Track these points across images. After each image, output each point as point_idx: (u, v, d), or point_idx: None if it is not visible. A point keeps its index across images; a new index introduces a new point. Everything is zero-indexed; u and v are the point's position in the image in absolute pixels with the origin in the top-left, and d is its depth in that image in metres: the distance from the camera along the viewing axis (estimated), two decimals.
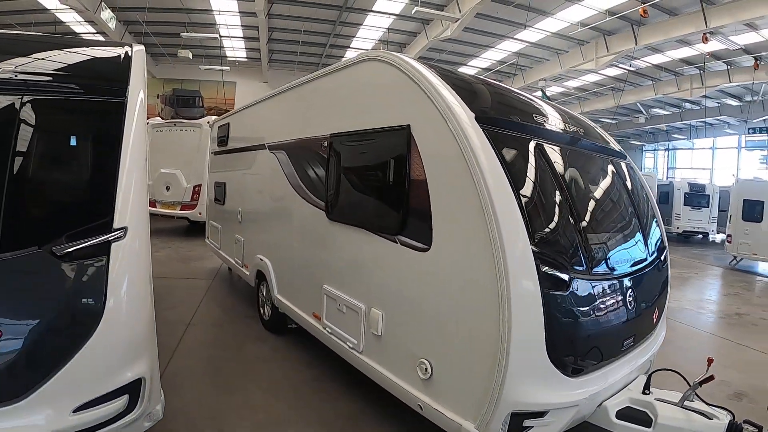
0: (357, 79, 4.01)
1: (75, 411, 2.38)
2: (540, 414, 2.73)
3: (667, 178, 29.36)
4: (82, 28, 19.78)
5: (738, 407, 4.03)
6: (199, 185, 11.77)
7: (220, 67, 22.49)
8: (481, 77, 4.51)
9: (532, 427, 2.74)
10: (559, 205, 3.13)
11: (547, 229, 2.97)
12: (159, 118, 14.90)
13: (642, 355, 3.55)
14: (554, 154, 3.39)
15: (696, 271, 13.00)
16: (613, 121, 32.02)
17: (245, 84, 25.68)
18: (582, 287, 2.94)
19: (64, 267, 2.41)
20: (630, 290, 3.34)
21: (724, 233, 15.15)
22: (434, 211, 2.99)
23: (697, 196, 20.36)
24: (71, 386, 2.38)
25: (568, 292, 2.79)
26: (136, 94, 2.92)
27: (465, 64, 22.80)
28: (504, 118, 3.28)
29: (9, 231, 2.38)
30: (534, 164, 3.15)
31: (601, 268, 3.22)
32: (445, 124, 2.92)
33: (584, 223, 3.25)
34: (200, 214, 11.49)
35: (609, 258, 3.35)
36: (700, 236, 21.40)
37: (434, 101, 3.03)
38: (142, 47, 3.41)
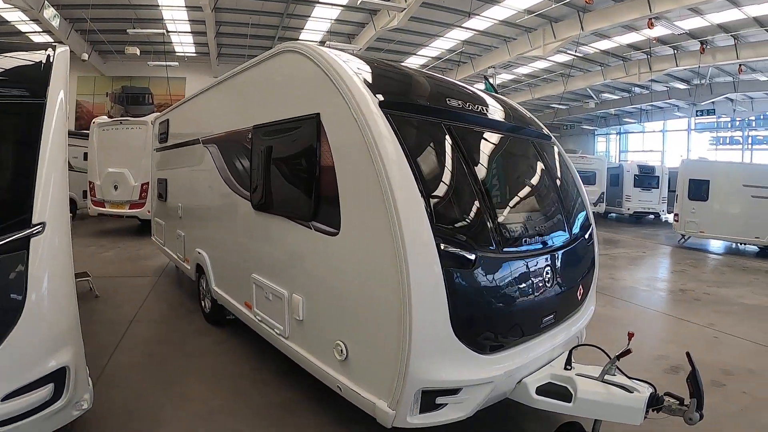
0: (275, 70, 4.07)
1: (4, 399, 2.47)
2: (453, 391, 2.84)
3: (619, 161, 30.28)
4: (28, 27, 19.05)
5: (674, 380, 4.33)
6: (147, 183, 11.57)
7: (167, 63, 21.95)
8: (401, 65, 4.56)
9: (446, 404, 2.85)
10: (467, 187, 3.20)
11: (451, 210, 3.07)
12: (106, 117, 14.52)
13: (566, 332, 3.61)
14: (467, 136, 3.49)
15: (645, 250, 13.53)
16: (564, 107, 32.79)
17: (195, 79, 25.00)
18: (491, 265, 3.02)
19: None
20: (548, 268, 3.41)
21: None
22: (342, 196, 3.08)
23: (646, 178, 21.15)
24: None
25: (474, 271, 2.89)
26: (56, 95, 3.03)
27: (414, 54, 23.00)
28: (412, 102, 3.38)
29: None
30: (442, 147, 3.26)
31: (514, 247, 3.26)
32: (349, 111, 3.00)
33: (496, 204, 3.35)
34: (149, 212, 11.31)
35: (523, 237, 3.38)
36: (651, 216, 22.26)
37: (340, 89, 3.10)
38: (66, 48, 3.47)
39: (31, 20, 17.89)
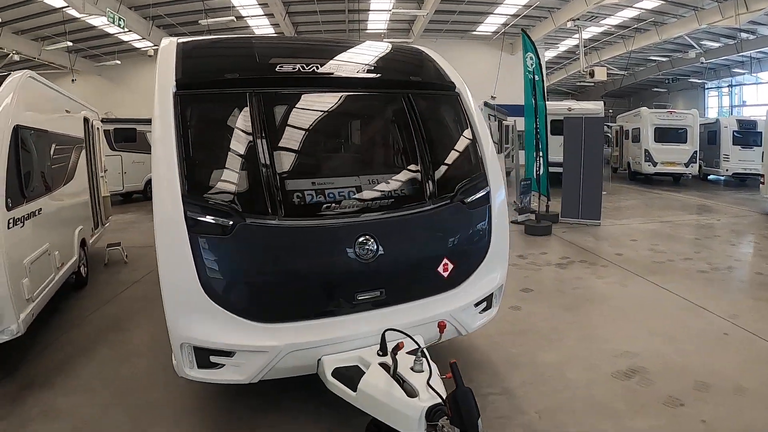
0: None
1: None
2: (227, 353, 2.96)
3: (731, 116, 26.65)
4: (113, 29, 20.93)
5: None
6: None
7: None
8: (239, 40, 4.43)
9: (223, 365, 2.99)
10: (246, 158, 3.16)
11: (212, 181, 3.09)
12: None
13: (415, 315, 3.30)
14: (278, 103, 3.47)
15: (719, 218, 11.61)
16: (665, 59, 29.55)
17: None
18: (259, 234, 2.98)
19: None
20: (363, 238, 3.11)
21: None
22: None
23: (748, 134, 18.48)
24: None
25: (231, 238, 2.90)
26: None
27: (490, 13, 22.49)
28: (212, 79, 3.38)
29: None
30: (232, 120, 3.27)
31: (301, 215, 3.09)
32: (154, 94, 3.20)
33: (288, 172, 3.26)
34: None
35: (320, 204, 3.14)
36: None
37: (156, 75, 3.33)
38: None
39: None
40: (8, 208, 4.17)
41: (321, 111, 3.70)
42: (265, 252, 3.04)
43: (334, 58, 3.87)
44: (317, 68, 3.56)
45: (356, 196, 3.27)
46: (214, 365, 2.99)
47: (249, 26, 23.25)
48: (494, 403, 3.64)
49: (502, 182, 3.84)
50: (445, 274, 3.43)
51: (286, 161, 3.33)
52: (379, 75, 3.89)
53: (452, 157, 3.80)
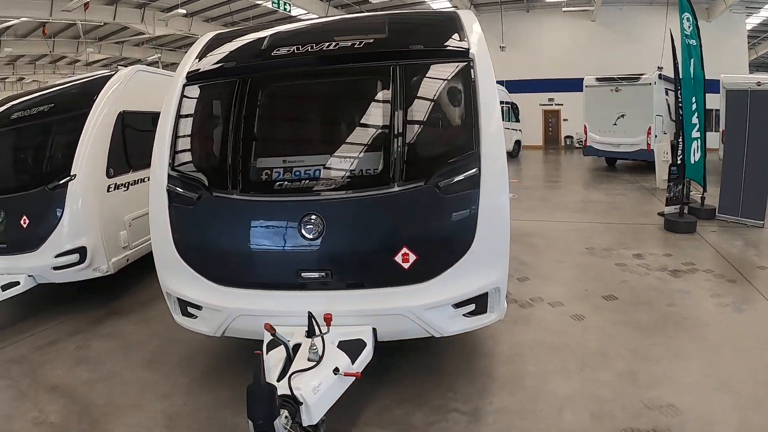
0: None
1: (56, 256, 4.96)
2: (197, 306, 3.47)
3: None
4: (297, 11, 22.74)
5: None
6: None
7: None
8: (251, 31, 4.40)
9: (196, 316, 3.53)
10: (222, 139, 3.51)
11: (190, 160, 3.61)
12: None
13: (366, 303, 3.23)
14: (263, 86, 3.68)
15: None
16: None
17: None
18: (218, 206, 3.33)
19: None
20: (311, 217, 3.16)
21: None
22: None
23: None
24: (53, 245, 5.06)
25: (195, 209, 3.37)
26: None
27: None
28: (212, 68, 3.76)
29: None
30: (218, 105, 3.75)
31: (257, 192, 3.33)
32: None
33: (254, 151, 3.50)
34: None
35: (277, 181, 3.31)
36: None
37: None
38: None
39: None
40: (108, 176, 5.40)
41: (302, 92, 3.87)
42: (222, 222, 3.38)
43: (335, 37, 3.76)
44: (311, 49, 3.60)
45: (311, 174, 3.32)
46: (191, 315, 3.56)
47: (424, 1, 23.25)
48: (447, 422, 3.29)
49: (502, 165, 3.32)
50: (406, 266, 3.17)
51: (253, 141, 3.55)
52: (369, 49, 3.64)
53: (437, 135, 3.54)
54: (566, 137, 24.35)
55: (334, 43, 3.61)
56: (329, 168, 3.38)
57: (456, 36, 3.67)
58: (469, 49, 3.52)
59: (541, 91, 24.26)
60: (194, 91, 3.71)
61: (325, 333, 2.91)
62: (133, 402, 3.67)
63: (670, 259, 6.79)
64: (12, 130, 5.82)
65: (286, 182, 3.31)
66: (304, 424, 2.52)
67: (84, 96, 5.64)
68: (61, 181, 5.11)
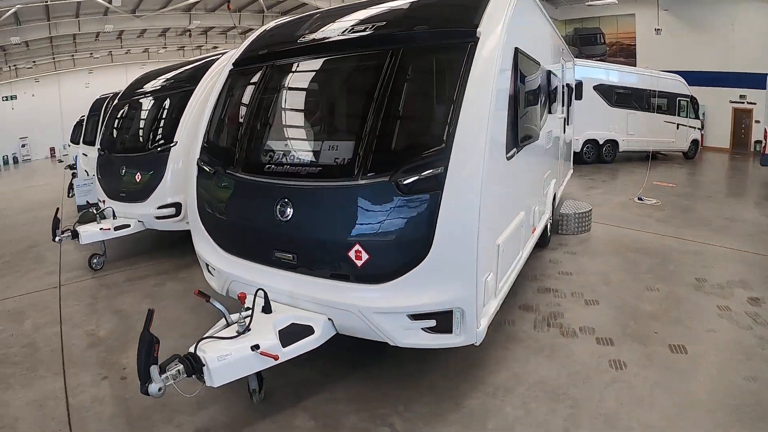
0: None
1: (158, 207, 6.16)
2: (211, 268, 3.96)
3: None
4: None
5: None
6: None
7: (606, 2, 21.26)
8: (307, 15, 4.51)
9: (213, 275, 4.00)
10: (239, 123, 3.93)
11: (214, 141, 4.14)
12: None
13: (318, 291, 3.22)
14: (284, 73, 3.96)
15: None
16: None
17: (646, 14, 23.00)
18: (224, 181, 3.78)
19: None
20: (284, 201, 3.29)
21: None
22: None
23: None
24: (157, 198, 6.20)
25: (211, 181, 3.91)
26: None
27: None
28: (251, 56, 4.26)
29: None
30: (243, 91, 4.13)
31: (247, 172, 3.61)
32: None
33: (258, 134, 3.83)
34: None
35: (264, 164, 3.56)
36: None
37: None
38: None
39: None
40: None
41: (310, 78, 4.03)
42: (225, 196, 3.83)
43: (357, 21, 3.79)
44: (330, 35, 3.72)
45: (292, 160, 3.48)
46: (210, 273, 4.05)
47: None
48: None
49: (477, 166, 2.89)
50: (359, 263, 3.05)
51: (260, 126, 3.85)
52: (379, 32, 3.53)
53: (413, 127, 3.32)
54: (756, 142, 20.26)
55: (347, 29, 3.68)
56: (308, 155, 3.49)
57: (472, 13, 3.30)
58: (476, 28, 3.16)
59: (732, 87, 20.37)
60: (234, 79, 4.27)
61: (257, 311, 3.09)
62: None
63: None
64: (137, 101, 7.15)
65: (273, 166, 3.50)
66: (206, 384, 2.74)
67: (192, 77, 6.55)
68: (166, 146, 6.11)
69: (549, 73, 5.56)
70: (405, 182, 2.89)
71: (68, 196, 11.63)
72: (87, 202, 9.03)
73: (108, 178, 6.98)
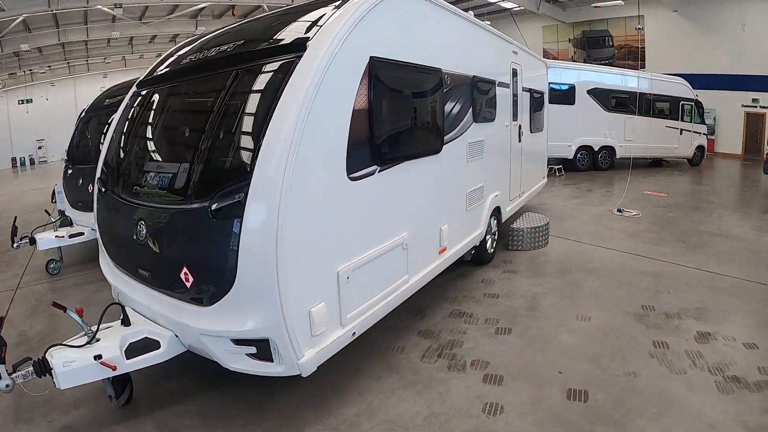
0: None
1: None
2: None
3: None
4: None
5: None
6: None
7: (613, 3, 20.89)
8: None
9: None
10: (122, 144, 4.23)
11: (108, 160, 4.30)
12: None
13: (165, 308, 3.36)
14: (159, 95, 4.17)
15: None
16: None
17: (655, 16, 22.46)
18: (107, 199, 4.06)
19: None
20: (140, 222, 3.44)
21: None
22: None
23: None
24: None
25: (102, 197, 4.17)
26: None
27: None
28: (150, 77, 4.43)
29: None
30: (134, 113, 4.32)
31: (120, 192, 3.87)
32: None
33: (127, 154, 4.11)
34: None
35: (128, 184, 3.82)
36: None
37: None
38: None
39: None
40: None
41: (173, 102, 4.13)
42: (110, 214, 4.10)
43: (222, 43, 3.80)
44: (197, 57, 3.88)
45: (151, 182, 3.55)
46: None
47: None
48: None
49: (278, 192, 2.77)
50: (188, 284, 3.13)
51: (135, 148, 4.08)
52: (227, 53, 3.58)
53: (230, 151, 3.20)
54: None
55: (207, 52, 3.82)
56: (158, 178, 3.51)
57: (309, 26, 3.28)
58: (306, 42, 3.10)
59: (745, 90, 19.71)
60: (130, 101, 4.50)
61: (108, 327, 3.35)
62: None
63: (752, 353, 4.11)
64: (96, 115, 7.51)
65: (137, 187, 3.66)
66: (56, 387, 2.98)
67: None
68: None
69: (474, 79, 5.40)
70: (213, 208, 2.89)
71: (51, 202, 11.94)
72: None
73: (70, 189, 7.34)
